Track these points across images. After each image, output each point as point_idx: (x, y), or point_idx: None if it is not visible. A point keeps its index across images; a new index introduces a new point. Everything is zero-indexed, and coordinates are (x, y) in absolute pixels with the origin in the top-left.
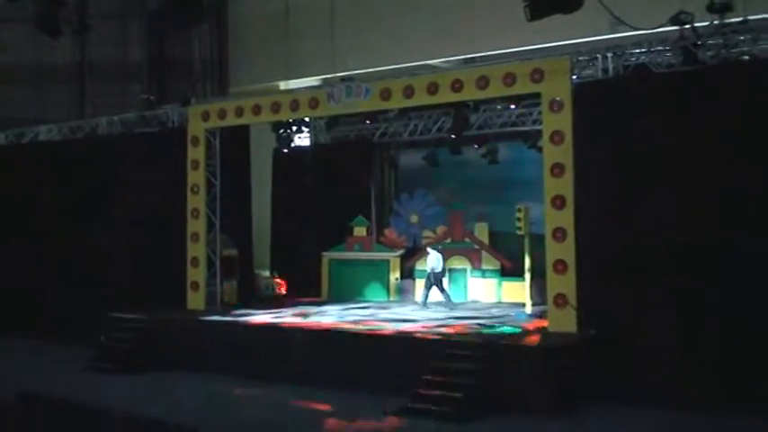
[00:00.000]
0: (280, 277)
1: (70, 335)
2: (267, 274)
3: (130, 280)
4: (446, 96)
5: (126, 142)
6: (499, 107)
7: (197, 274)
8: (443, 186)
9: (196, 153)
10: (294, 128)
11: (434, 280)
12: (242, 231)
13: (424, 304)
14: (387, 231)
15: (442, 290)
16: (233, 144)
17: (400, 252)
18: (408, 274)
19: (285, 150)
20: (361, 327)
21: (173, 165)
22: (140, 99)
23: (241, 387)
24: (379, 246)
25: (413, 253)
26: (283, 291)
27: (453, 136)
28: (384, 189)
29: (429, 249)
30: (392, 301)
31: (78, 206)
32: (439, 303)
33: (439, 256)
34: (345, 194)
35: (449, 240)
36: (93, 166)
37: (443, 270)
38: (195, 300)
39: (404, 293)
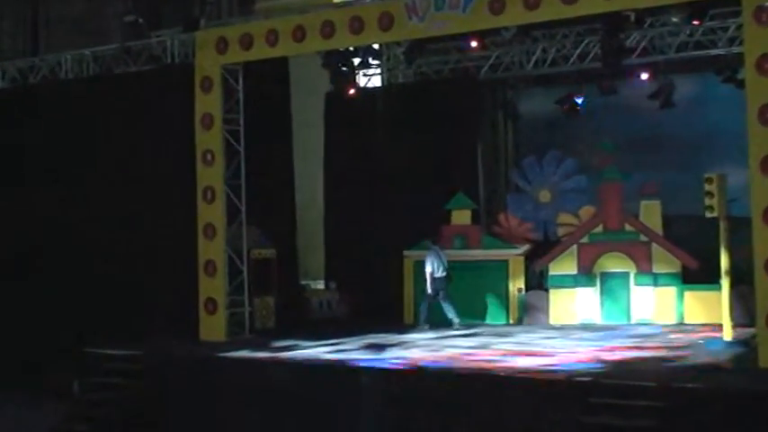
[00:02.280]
0: (340, 290)
1: (30, 381)
2: (320, 285)
3: (115, 297)
4: (593, 2)
5: (102, 89)
6: (675, 20)
7: (214, 286)
8: (589, 145)
9: (209, 103)
10: (357, 61)
11: (437, 289)
12: (281, 221)
13: (422, 324)
14: (503, 216)
15: (448, 303)
16: (265, 89)
17: (524, 249)
18: (537, 281)
19: (344, 96)
20: (470, 364)
21: (173, 122)
22: (123, 22)
23: None
24: (490, 239)
25: (543, 249)
26: (346, 310)
27: (604, 67)
28: (497, 151)
29: (429, 248)
30: (512, 325)
31: (33, 187)
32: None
33: (440, 254)
34: (437, 161)
35: (600, 229)
36: (53, 126)
37: (448, 275)
38: (212, 326)
39: (530, 312)
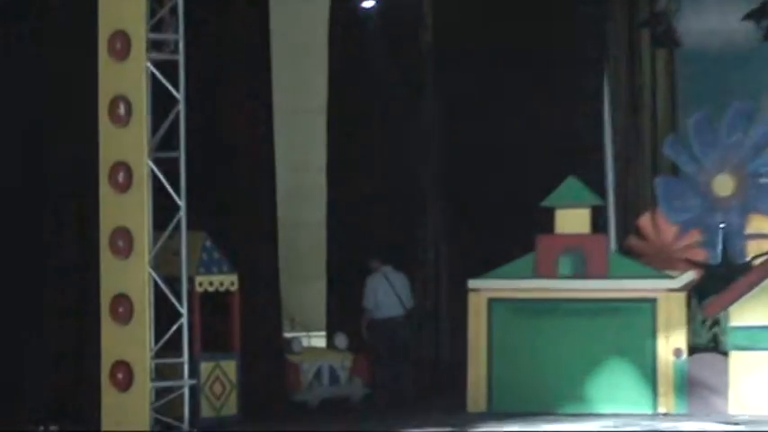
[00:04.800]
0: (353, 350)
1: None
2: (320, 341)
3: None
4: None
5: None
6: None
7: (127, 340)
8: None
9: (121, 12)
10: None
11: (389, 340)
12: (251, 227)
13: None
14: (647, 219)
15: (394, 363)
16: None
17: (686, 278)
18: (709, 338)
19: (356, 9)
20: None
21: (57, 47)
22: None
23: None
24: (623, 260)
25: (721, 280)
26: (362, 385)
27: None
28: (638, 103)
29: (376, 270)
30: (664, 416)
31: None
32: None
33: (392, 280)
34: (528, 120)
35: None
36: None
37: (406, 313)
38: (124, 411)
39: (696, 394)
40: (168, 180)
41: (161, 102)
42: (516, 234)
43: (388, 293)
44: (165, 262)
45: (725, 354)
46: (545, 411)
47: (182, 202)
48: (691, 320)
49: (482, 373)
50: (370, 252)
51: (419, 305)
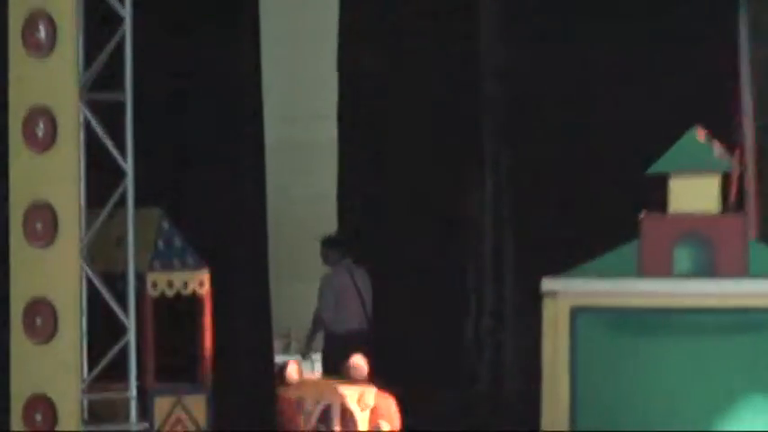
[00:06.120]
0: (374, 378)
1: None
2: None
3: None
4: None
5: None
6: None
7: (49, 362)
8: None
9: None
10: None
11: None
12: (227, 204)
13: None
14: None
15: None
16: None
17: None
18: None
19: None
20: None
21: None
22: None
23: None
24: None
25: None
26: (390, 422)
27: None
28: None
29: (336, 264)
30: None
31: None
32: None
33: (354, 276)
34: (630, 66)
35: None
36: None
37: (370, 327)
38: None
39: None
40: (109, 134)
41: (98, 22)
42: (611, 214)
43: (351, 298)
44: (103, 253)
45: None
46: None
47: (128, 166)
48: None
49: (563, 419)
50: (397, 236)
51: (471, 317)
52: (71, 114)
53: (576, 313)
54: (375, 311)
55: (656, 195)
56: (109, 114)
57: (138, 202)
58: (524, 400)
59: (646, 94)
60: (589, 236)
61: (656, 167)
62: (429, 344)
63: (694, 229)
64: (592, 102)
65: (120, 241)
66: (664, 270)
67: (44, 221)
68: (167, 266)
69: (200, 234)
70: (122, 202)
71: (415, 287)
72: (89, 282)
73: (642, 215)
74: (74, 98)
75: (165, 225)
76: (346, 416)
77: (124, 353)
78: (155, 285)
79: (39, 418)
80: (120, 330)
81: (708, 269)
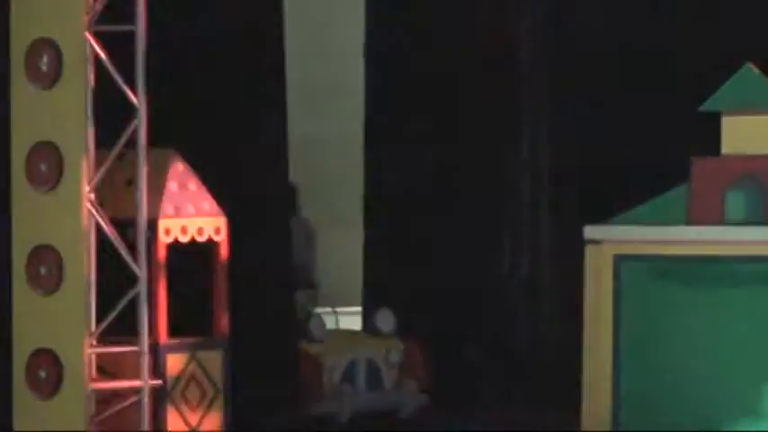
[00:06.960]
0: (405, 336)
1: None
2: (353, 322)
3: None
4: None
5: None
6: None
7: (54, 315)
8: None
9: None
10: None
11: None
12: (248, 140)
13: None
14: None
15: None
16: None
17: None
18: None
19: None
20: None
21: None
22: None
23: None
24: None
25: None
26: (416, 389)
27: None
28: None
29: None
30: None
31: None
32: None
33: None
34: None
35: None
36: None
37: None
38: (48, 426)
39: None
40: (117, 67)
41: None
42: (657, 155)
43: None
44: (112, 196)
45: None
46: (700, 430)
47: (139, 103)
48: None
49: (605, 372)
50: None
51: (506, 266)
52: (77, 46)
53: (620, 261)
54: (412, 264)
55: (707, 133)
56: (118, 46)
57: (151, 142)
58: (565, 349)
59: (696, 30)
60: (632, 179)
61: (708, 105)
62: (464, 294)
63: (748, 173)
64: (638, 37)
65: (131, 184)
66: (714, 217)
67: (48, 163)
68: (182, 212)
69: (218, 180)
70: (132, 140)
71: (452, 238)
72: (97, 228)
73: (693, 159)
74: (80, 29)
75: (180, 166)
76: (373, 373)
77: (134, 305)
78: (167, 232)
79: (43, 375)
80: (131, 280)
81: (763, 216)
